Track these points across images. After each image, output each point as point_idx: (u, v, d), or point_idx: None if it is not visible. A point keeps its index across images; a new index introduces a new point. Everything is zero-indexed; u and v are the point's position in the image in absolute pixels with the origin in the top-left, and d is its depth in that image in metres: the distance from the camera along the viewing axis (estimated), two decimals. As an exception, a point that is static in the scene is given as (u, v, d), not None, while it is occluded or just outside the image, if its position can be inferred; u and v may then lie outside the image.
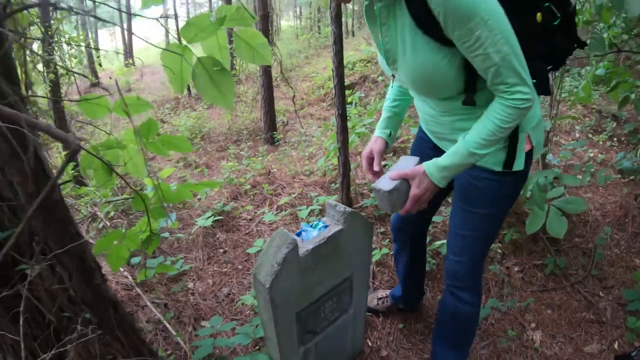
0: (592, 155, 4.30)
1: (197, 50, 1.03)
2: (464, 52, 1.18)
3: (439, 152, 1.53)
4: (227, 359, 1.57)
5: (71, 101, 1.23)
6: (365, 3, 1.33)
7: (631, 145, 4.44)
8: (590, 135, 4.85)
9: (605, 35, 3.95)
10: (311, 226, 1.54)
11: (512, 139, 1.39)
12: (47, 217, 1.00)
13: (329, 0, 2.90)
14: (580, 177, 3.70)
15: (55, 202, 1.01)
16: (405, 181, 1.39)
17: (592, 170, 3.74)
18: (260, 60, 1.07)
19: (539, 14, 1.26)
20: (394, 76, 1.47)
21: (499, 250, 2.80)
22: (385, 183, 1.38)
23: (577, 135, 4.91)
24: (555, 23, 1.29)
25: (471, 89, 1.30)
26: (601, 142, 4.64)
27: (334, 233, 1.47)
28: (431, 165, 1.34)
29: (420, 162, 1.43)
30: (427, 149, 1.69)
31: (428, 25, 1.17)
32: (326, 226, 1.52)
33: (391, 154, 4.08)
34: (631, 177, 3.74)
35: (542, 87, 1.38)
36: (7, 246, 0.64)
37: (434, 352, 1.93)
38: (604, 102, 5.45)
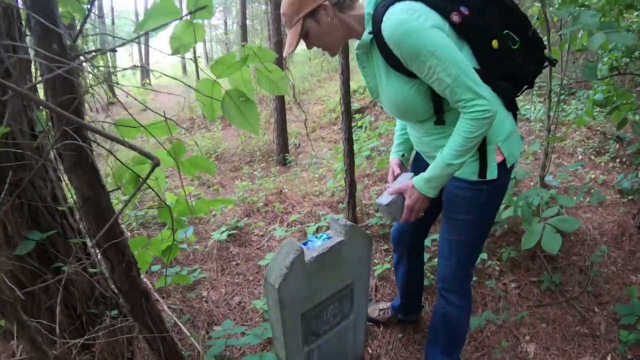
0: (593, 176, 4.39)
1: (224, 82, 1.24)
2: (425, 80, 1.45)
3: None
4: (237, 358, 1.73)
5: (116, 124, 1.43)
6: (355, 52, 1.65)
7: (634, 166, 4.51)
8: (592, 157, 4.95)
9: (606, 59, 4.12)
10: (316, 237, 1.72)
11: (481, 150, 1.58)
12: (99, 219, 1.21)
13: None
14: (583, 198, 3.83)
15: (106, 206, 1.22)
16: (401, 195, 1.64)
17: (590, 190, 3.86)
18: (279, 92, 1.34)
19: (494, 41, 1.50)
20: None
21: (497, 268, 2.92)
22: (385, 198, 1.65)
23: (580, 157, 5.01)
24: (515, 47, 1.52)
25: (439, 111, 1.56)
26: (603, 164, 4.74)
27: (336, 243, 1.65)
28: (418, 179, 1.60)
29: None
30: (422, 168, 1.87)
31: (395, 63, 1.47)
32: (329, 237, 1.70)
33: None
34: (630, 197, 3.83)
35: (508, 104, 1.63)
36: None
37: (426, 356, 2.08)
38: (608, 124, 5.56)
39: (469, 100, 1.41)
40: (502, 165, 1.61)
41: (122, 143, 0.69)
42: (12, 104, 1.35)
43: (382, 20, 1.42)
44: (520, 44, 1.53)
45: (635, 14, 4.75)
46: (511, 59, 1.54)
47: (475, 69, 1.46)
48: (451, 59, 1.38)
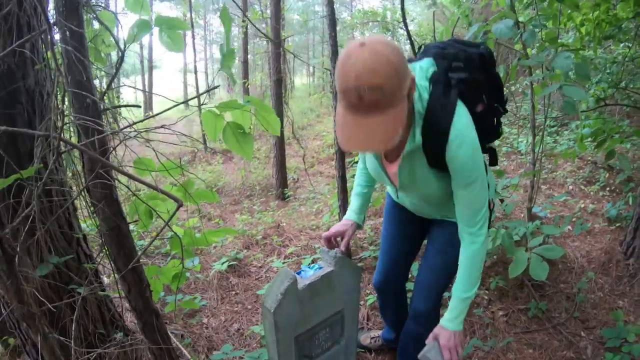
0: (582, 205, 4.50)
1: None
2: (456, 187, 1.54)
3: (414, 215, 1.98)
4: (236, 381, 1.86)
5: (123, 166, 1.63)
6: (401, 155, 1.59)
7: (623, 194, 4.61)
8: (582, 187, 5.06)
9: (592, 91, 4.30)
10: (309, 267, 1.87)
11: None
12: (120, 246, 1.39)
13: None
14: (569, 227, 3.96)
15: (124, 235, 1.39)
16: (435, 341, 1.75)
17: (578, 219, 3.98)
18: (273, 131, 1.50)
19: (495, 119, 1.68)
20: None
21: (485, 297, 3.02)
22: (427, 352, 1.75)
23: (570, 187, 5.13)
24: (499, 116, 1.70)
25: None
26: (593, 193, 4.85)
27: (326, 273, 1.79)
28: (447, 322, 1.69)
29: (402, 227, 2.06)
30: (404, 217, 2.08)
31: (440, 165, 1.49)
32: (321, 267, 1.84)
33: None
34: (617, 225, 3.93)
35: (493, 160, 1.82)
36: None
37: None
38: (600, 154, 5.70)
39: (479, 229, 1.58)
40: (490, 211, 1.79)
41: (153, 187, 0.85)
42: (47, 145, 1.53)
43: (444, 124, 1.38)
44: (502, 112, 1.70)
45: (621, 45, 4.98)
46: (497, 128, 1.73)
47: None
48: (485, 188, 1.54)
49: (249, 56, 13.28)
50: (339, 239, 1.90)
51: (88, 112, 1.20)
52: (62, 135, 0.87)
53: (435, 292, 1.98)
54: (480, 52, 1.56)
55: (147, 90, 21.03)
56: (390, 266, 2.23)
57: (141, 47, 22.81)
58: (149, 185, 0.85)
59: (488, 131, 1.65)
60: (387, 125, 1.18)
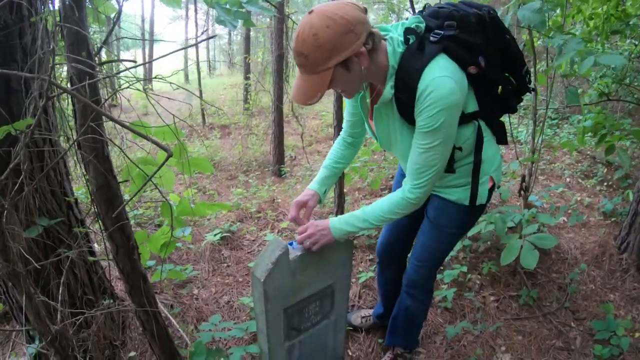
0: (579, 198, 4.52)
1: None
2: (415, 138, 1.49)
3: None
4: (223, 351, 1.84)
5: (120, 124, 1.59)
6: (359, 95, 1.66)
7: (620, 189, 4.64)
8: (580, 180, 5.08)
9: (595, 84, 4.26)
10: None
11: (473, 182, 1.73)
12: (109, 205, 1.36)
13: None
14: (564, 218, 3.96)
15: (114, 193, 1.36)
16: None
17: (570, 211, 3.98)
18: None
19: (500, 88, 1.61)
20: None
21: (477, 281, 3.02)
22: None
23: (568, 179, 5.15)
24: (510, 88, 1.63)
25: (451, 160, 1.62)
26: (589, 186, 4.87)
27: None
28: (335, 221, 1.68)
29: None
30: None
31: (412, 119, 1.47)
32: None
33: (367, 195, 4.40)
34: (613, 219, 3.95)
35: (501, 138, 1.76)
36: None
37: (386, 341, 2.30)
38: (599, 149, 5.69)
39: (417, 187, 1.53)
40: (491, 190, 1.78)
41: (145, 137, 0.81)
42: (34, 100, 1.49)
43: (413, 78, 1.39)
44: (515, 84, 1.64)
45: (627, 41, 4.94)
46: (507, 100, 1.64)
47: (475, 111, 1.57)
48: (446, 152, 1.50)
49: (251, 32, 13.13)
50: (302, 211, 1.84)
51: (83, 63, 1.16)
52: (52, 77, 0.83)
53: (428, 264, 1.99)
54: (477, 13, 1.50)
55: (146, 65, 20.80)
56: (392, 236, 2.24)
57: (142, 20, 22.47)
58: (137, 133, 0.82)
59: (488, 99, 1.59)
60: (307, 86, 1.37)
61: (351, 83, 1.44)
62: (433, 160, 1.48)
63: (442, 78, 1.36)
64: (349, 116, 1.90)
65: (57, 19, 1.39)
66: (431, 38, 1.43)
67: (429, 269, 2.01)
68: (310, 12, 1.31)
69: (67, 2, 1.19)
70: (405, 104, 1.45)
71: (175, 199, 1.93)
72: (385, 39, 1.46)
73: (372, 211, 1.62)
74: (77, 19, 1.18)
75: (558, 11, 3.17)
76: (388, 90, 1.47)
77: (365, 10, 1.36)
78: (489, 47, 1.50)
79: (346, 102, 1.87)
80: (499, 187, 1.81)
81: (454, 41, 1.43)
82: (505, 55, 1.56)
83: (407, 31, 1.46)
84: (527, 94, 1.74)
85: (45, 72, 1.48)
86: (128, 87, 1.28)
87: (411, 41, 1.45)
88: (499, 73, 1.57)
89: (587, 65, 2.19)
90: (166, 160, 0.76)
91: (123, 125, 0.81)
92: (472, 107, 1.57)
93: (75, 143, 1.37)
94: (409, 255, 2.22)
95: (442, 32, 1.43)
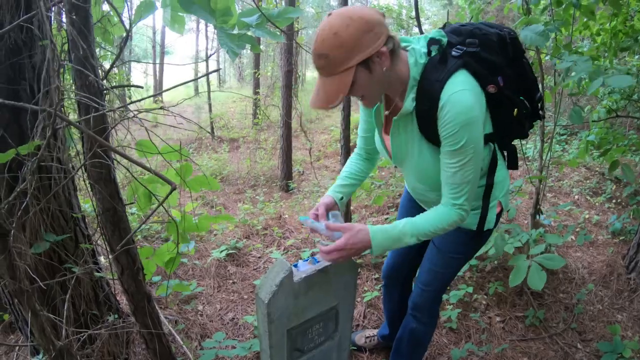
0: (587, 216, 4.48)
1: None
2: (443, 158, 1.46)
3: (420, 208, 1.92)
4: (227, 369, 1.85)
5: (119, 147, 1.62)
6: (374, 108, 1.64)
7: (630, 206, 4.59)
8: (588, 197, 5.04)
9: (604, 102, 4.26)
10: (306, 261, 1.85)
11: (483, 207, 1.71)
12: (115, 227, 1.37)
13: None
14: (572, 237, 3.93)
15: (120, 217, 1.38)
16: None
17: (582, 229, 3.95)
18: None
19: (515, 110, 1.56)
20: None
21: (484, 302, 3.00)
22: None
23: (576, 197, 5.11)
24: (525, 112, 1.60)
25: None
26: (598, 204, 4.82)
27: (323, 267, 1.76)
28: (376, 230, 1.55)
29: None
30: (411, 206, 2.04)
31: (432, 136, 1.46)
32: (318, 261, 1.82)
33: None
34: (621, 238, 3.91)
35: (512, 162, 1.75)
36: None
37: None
38: (607, 165, 5.63)
39: (461, 202, 1.48)
40: (499, 215, 1.77)
41: (147, 169, 0.83)
42: (43, 120, 1.52)
43: (436, 89, 1.37)
44: (530, 111, 1.62)
45: (636, 57, 4.93)
46: (522, 124, 1.62)
47: (490, 133, 1.55)
48: (477, 165, 1.45)
49: (261, 47, 13.25)
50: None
51: (89, 90, 1.19)
52: (59, 110, 0.85)
53: (433, 288, 1.98)
54: (499, 33, 1.50)
55: (157, 77, 21.07)
56: (398, 259, 2.24)
57: (154, 33, 22.79)
58: (142, 166, 0.84)
59: (504, 120, 1.56)
60: (328, 89, 1.32)
61: (372, 87, 1.41)
62: (468, 177, 1.45)
63: (463, 92, 1.35)
64: (362, 132, 1.88)
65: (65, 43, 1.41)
66: (453, 53, 1.42)
67: (434, 293, 2.00)
68: (329, 15, 1.31)
69: (75, 25, 1.22)
70: (427, 117, 1.43)
71: (178, 215, 1.94)
72: (406, 50, 1.46)
73: (421, 226, 1.53)
74: (84, 45, 1.21)
75: (563, 29, 3.18)
76: (409, 103, 1.45)
77: (383, 15, 1.35)
78: (508, 68, 1.50)
79: (360, 117, 1.85)
80: (508, 211, 1.80)
81: (475, 58, 1.42)
82: (522, 78, 1.56)
83: (431, 41, 1.45)
84: (538, 120, 1.74)
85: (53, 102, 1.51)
86: (133, 117, 1.29)
87: (433, 53, 1.44)
88: (516, 95, 1.56)
89: (596, 86, 2.20)
90: (170, 193, 0.78)
91: (126, 157, 0.83)
92: (488, 128, 1.56)
93: (82, 168, 1.39)
94: (415, 277, 2.20)
95: (464, 48, 1.43)
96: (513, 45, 1.52)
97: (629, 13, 3.36)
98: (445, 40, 1.46)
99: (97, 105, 1.15)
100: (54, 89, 1.09)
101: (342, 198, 1.86)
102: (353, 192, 2.00)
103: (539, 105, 1.65)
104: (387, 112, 1.64)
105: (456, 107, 1.34)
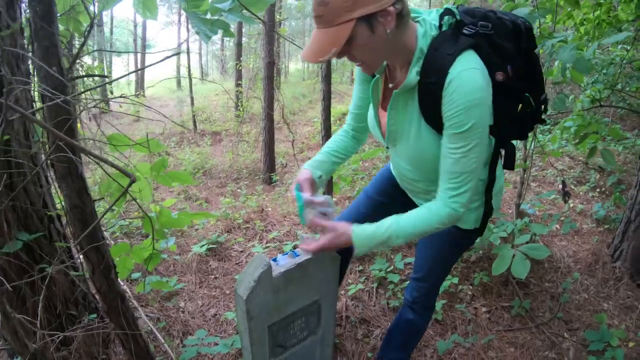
0: (571, 205, 4.50)
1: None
2: (445, 143, 1.35)
3: (402, 194, 1.82)
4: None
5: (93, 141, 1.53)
6: (372, 80, 1.53)
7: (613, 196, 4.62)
8: (573, 186, 5.05)
9: (588, 91, 4.27)
10: (286, 254, 1.78)
11: (486, 201, 1.63)
12: (84, 224, 1.30)
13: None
14: (557, 226, 3.93)
15: (90, 213, 1.31)
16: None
17: (563, 219, 3.96)
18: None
19: (520, 105, 1.46)
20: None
21: (469, 292, 2.97)
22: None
23: (560, 186, 5.12)
24: (529, 110, 1.50)
25: None
26: (582, 193, 4.85)
27: (303, 261, 1.70)
28: (360, 232, 1.47)
29: (381, 199, 1.84)
30: (390, 186, 1.91)
31: (432, 116, 1.35)
32: (298, 255, 1.76)
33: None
34: (606, 226, 3.94)
35: (508, 162, 1.61)
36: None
37: (381, 350, 2.18)
38: (580, 149, 5.66)
39: (460, 195, 1.38)
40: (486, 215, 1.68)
41: (106, 162, 0.76)
42: (10, 115, 1.43)
43: (445, 62, 1.28)
44: (534, 110, 1.51)
45: (619, 47, 4.94)
46: (524, 123, 1.53)
47: (490, 125, 1.40)
48: (483, 152, 1.35)
49: (243, 39, 13.11)
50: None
51: (51, 81, 1.11)
52: (9, 100, 0.78)
53: (430, 282, 1.92)
54: (514, 21, 1.40)
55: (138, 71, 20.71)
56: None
57: (135, 26, 22.47)
58: (99, 158, 0.77)
59: (506, 114, 1.44)
60: (322, 41, 1.23)
61: (373, 50, 1.30)
62: (471, 166, 1.34)
63: (474, 71, 1.26)
64: (355, 108, 1.76)
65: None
66: (465, 31, 1.33)
67: (431, 287, 1.94)
68: None
69: (37, 13, 1.14)
70: (430, 93, 1.32)
71: (156, 210, 1.87)
72: (417, 22, 1.36)
73: (409, 227, 1.44)
74: (48, 32, 1.13)
75: (548, 17, 3.16)
76: (413, 76, 1.34)
77: None
78: (519, 58, 1.41)
79: (354, 91, 1.74)
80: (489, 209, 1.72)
81: (487, 41, 1.34)
82: (531, 72, 1.46)
83: (445, 12, 1.36)
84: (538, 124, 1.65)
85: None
86: (95, 107, 1.22)
87: (444, 28, 1.35)
88: (523, 88, 1.46)
89: (589, 54, 2.14)
90: (129, 185, 0.72)
91: (85, 152, 0.76)
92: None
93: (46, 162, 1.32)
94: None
95: (476, 29, 1.33)
96: (527, 35, 1.42)
97: (613, 3, 3.34)
98: (458, 15, 1.36)
99: (57, 97, 1.07)
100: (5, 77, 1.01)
101: (320, 176, 1.75)
102: (333, 171, 1.88)
103: (543, 107, 1.55)
104: (391, 85, 1.52)
105: (465, 85, 1.25)
